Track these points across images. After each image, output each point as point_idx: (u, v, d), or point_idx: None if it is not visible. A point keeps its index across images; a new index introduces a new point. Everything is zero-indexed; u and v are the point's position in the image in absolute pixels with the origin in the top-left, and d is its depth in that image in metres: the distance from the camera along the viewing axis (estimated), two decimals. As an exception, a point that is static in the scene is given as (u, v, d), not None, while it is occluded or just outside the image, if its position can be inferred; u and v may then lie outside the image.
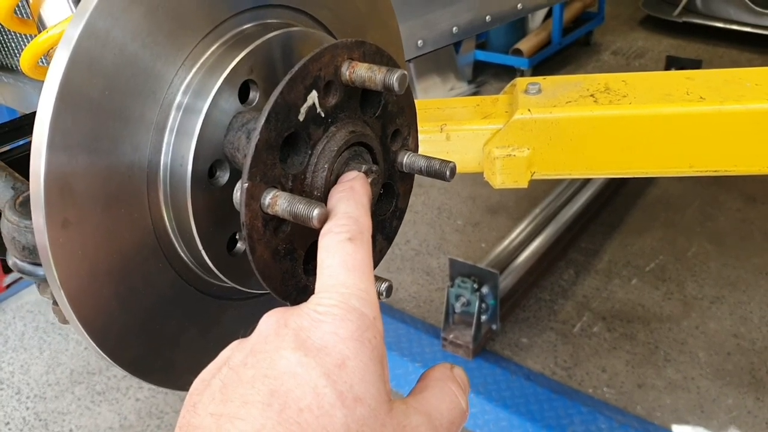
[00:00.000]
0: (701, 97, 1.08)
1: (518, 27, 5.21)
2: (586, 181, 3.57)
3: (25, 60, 0.69)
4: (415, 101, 0.86)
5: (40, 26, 0.71)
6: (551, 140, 1.08)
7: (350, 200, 0.54)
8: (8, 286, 3.23)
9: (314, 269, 0.53)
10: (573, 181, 3.55)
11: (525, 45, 5.07)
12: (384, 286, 0.57)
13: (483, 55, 5.16)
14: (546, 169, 1.12)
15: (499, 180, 1.13)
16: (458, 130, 1.14)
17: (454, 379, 0.53)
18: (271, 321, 0.48)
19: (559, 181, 3.56)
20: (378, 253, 0.64)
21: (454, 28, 1.31)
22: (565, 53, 5.51)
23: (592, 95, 1.10)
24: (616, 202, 3.72)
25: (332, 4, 0.65)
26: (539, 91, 1.13)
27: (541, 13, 5.39)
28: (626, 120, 1.06)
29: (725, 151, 1.07)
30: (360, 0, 0.68)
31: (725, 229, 3.54)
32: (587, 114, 1.07)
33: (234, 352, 0.48)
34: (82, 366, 2.89)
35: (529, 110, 1.09)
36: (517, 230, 3.22)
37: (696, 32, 5.65)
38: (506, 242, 3.16)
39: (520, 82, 1.15)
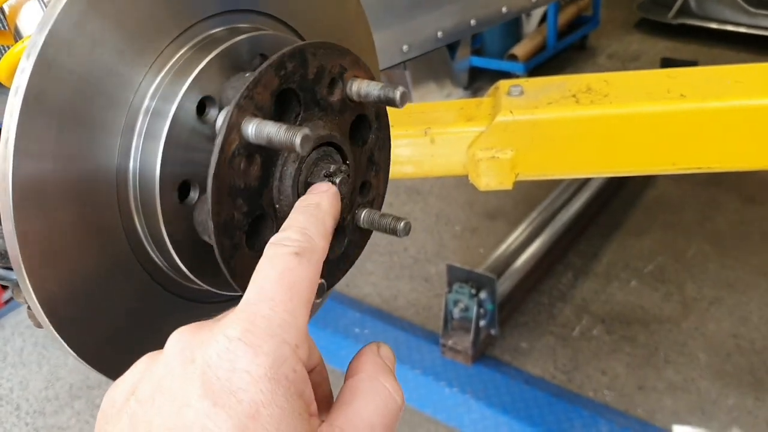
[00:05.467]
0: (682, 95, 1.08)
1: (513, 32, 5.23)
2: (584, 184, 3.57)
3: (2, 70, 0.70)
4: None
5: (17, 37, 0.71)
6: (534, 141, 1.09)
7: (312, 217, 0.51)
8: (7, 302, 3.23)
9: (258, 246, 0.52)
10: (570, 183, 3.55)
11: (520, 50, 5.09)
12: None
13: (479, 61, 5.17)
14: (530, 170, 1.13)
15: (484, 182, 1.13)
16: (442, 134, 1.15)
17: (385, 369, 0.49)
18: (178, 348, 0.44)
19: (556, 184, 3.56)
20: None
21: (439, 33, 1.33)
22: (560, 57, 5.52)
23: (573, 96, 1.10)
24: (614, 204, 3.72)
25: (304, 10, 0.66)
26: (521, 92, 1.14)
27: (536, 18, 5.40)
28: (607, 119, 1.07)
29: (707, 148, 1.08)
30: (332, 7, 0.68)
31: (724, 230, 3.54)
32: (569, 114, 1.07)
33: (143, 379, 0.44)
34: (81, 380, 2.89)
35: (511, 112, 1.09)
36: (515, 234, 3.23)
37: (691, 34, 5.67)
38: (504, 247, 3.16)
39: (503, 84, 1.16)
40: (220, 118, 0.56)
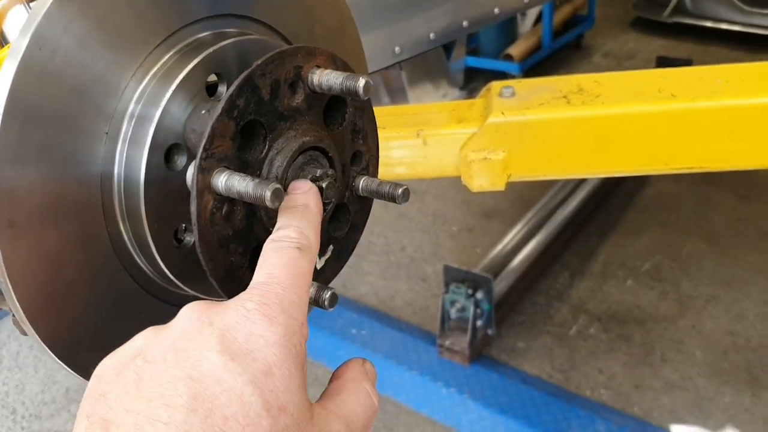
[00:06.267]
0: (672, 95, 1.08)
1: (509, 32, 5.23)
2: (580, 183, 3.57)
3: (-12, 76, 0.70)
4: (393, 107, 0.84)
5: (3, 42, 0.71)
6: (525, 142, 1.09)
7: (304, 218, 0.53)
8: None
9: None
10: (566, 183, 3.55)
11: (516, 50, 5.09)
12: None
13: (474, 61, 5.17)
14: (522, 170, 1.13)
15: (477, 183, 1.13)
16: (435, 135, 1.15)
17: (368, 377, 0.53)
18: (194, 316, 0.47)
19: (552, 184, 3.56)
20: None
21: (432, 34, 1.32)
22: (556, 57, 5.52)
23: (564, 96, 1.10)
24: (610, 203, 3.72)
25: (289, 14, 0.66)
26: (513, 94, 1.14)
27: (531, 18, 5.40)
28: (598, 120, 1.07)
29: (699, 148, 1.08)
30: (318, 11, 0.68)
31: (720, 228, 3.54)
32: (560, 115, 1.07)
33: (150, 343, 0.46)
34: (78, 384, 2.88)
35: (502, 113, 1.09)
36: (511, 234, 3.23)
37: (686, 32, 5.67)
38: (500, 246, 3.16)
39: (495, 85, 1.16)
40: (190, 171, 0.55)
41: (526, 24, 5.39)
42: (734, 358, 2.78)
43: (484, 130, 1.10)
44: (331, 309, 0.55)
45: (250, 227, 0.55)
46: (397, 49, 1.26)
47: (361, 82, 0.55)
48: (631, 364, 2.78)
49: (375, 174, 0.65)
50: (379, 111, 1.01)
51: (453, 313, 2.82)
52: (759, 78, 1.14)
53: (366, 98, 0.56)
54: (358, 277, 3.40)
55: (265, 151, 0.55)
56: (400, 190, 0.60)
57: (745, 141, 1.07)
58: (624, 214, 3.68)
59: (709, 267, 3.26)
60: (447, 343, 2.82)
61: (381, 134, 1.25)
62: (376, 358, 2.87)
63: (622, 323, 2.98)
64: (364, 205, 0.64)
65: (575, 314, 3.05)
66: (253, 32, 0.63)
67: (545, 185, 3.57)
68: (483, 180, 1.12)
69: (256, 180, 0.50)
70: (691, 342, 2.87)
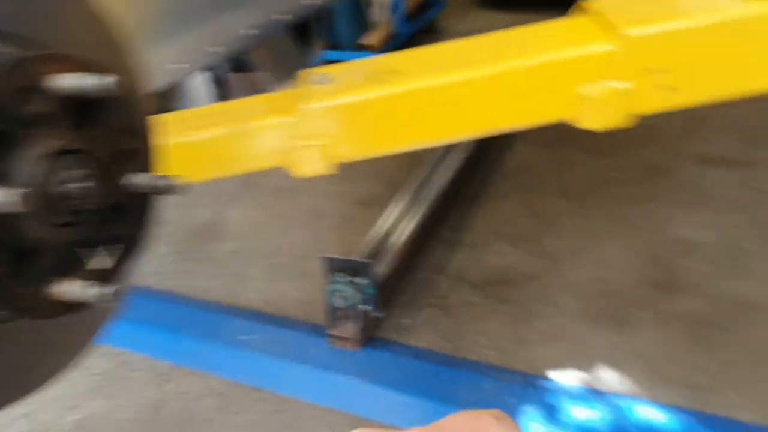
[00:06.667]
0: (475, 62, 1.16)
1: (361, 21, 5.32)
2: (446, 159, 3.69)
3: None
4: (216, 105, 0.85)
5: None
6: (343, 125, 1.13)
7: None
8: None
9: (34, 278, 0.53)
10: (436, 162, 3.67)
11: (372, 39, 5.19)
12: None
13: (334, 55, 5.22)
14: (348, 152, 1.17)
15: (304, 170, 1.17)
16: (255, 128, 1.17)
17: None
18: None
19: (419, 163, 3.67)
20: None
21: (246, 31, 1.34)
22: (413, 42, 5.67)
23: (375, 77, 1.16)
24: (476, 175, 3.89)
25: (45, 26, 0.66)
26: (327, 79, 1.18)
27: (385, 5, 5.52)
28: (406, 96, 1.12)
29: (499, 109, 1.16)
30: (78, 20, 0.68)
31: (579, 185, 3.79)
32: (370, 96, 1.12)
33: None
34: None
35: (317, 100, 1.13)
36: (385, 217, 3.30)
37: (537, 5, 5.97)
38: (376, 231, 3.23)
39: (305, 73, 1.20)
40: None
41: (380, 12, 5.50)
42: (603, 303, 2.99)
43: (302, 119, 1.13)
44: (116, 304, 0.56)
45: (10, 235, 0.55)
46: (211, 48, 1.27)
47: (109, 80, 0.56)
48: (510, 322, 2.93)
49: (151, 170, 0.66)
50: (202, 111, 1.02)
51: (338, 302, 2.86)
52: (547, 37, 1.24)
53: (125, 96, 0.57)
54: (244, 283, 3.38)
55: (16, 159, 0.55)
56: (171, 183, 0.62)
57: (540, 98, 1.16)
58: (491, 183, 3.86)
59: (573, 222, 3.49)
60: (336, 332, 2.86)
61: (207, 133, 1.25)
62: (271, 360, 2.87)
63: (498, 286, 3.14)
64: (143, 201, 0.65)
65: (454, 285, 3.17)
66: (8, 47, 0.62)
67: (420, 166, 3.67)
68: (310, 166, 1.16)
69: (5, 188, 0.50)
70: (563, 294, 3.06)
